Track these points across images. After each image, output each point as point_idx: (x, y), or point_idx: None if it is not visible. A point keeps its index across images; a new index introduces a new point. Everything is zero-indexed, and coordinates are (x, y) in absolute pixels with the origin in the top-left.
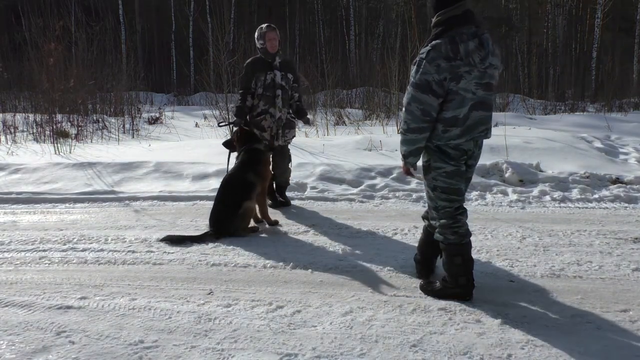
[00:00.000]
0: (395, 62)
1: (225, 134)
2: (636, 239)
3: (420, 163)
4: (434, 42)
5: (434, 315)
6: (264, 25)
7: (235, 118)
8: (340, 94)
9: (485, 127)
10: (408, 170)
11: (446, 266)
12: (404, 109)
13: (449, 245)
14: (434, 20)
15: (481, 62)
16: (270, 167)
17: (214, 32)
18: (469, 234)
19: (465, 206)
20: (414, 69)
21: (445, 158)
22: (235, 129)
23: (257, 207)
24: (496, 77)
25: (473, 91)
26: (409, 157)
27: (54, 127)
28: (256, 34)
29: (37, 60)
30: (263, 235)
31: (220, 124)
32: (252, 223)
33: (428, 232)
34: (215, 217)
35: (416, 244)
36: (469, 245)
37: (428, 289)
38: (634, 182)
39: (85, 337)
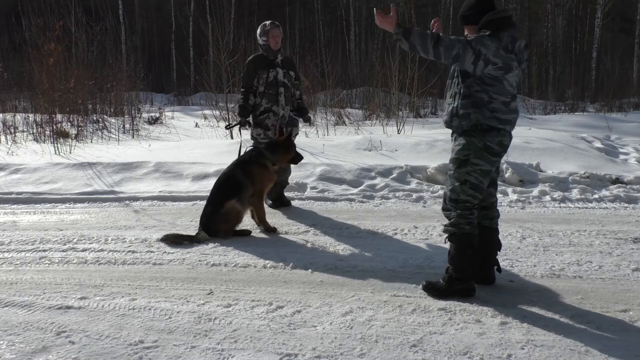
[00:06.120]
0: (395, 62)
1: (225, 134)
2: (636, 239)
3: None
4: (495, 34)
5: (434, 315)
6: (267, 22)
7: (239, 118)
8: (340, 94)
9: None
10: (380, 15)
11: (455, 259)
12: (444, 44)
13: (463, 235)
14: (483, 19)
15: (525, 62)
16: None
17: (214, 32)
18: (477, 228)
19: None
20: (471, 37)
21: (488, 155)
22: (277, 134)
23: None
24: (520, 81)
25: (513, 86)
26: (403, 35)
27: (54, 127)
28: (259, 30)
29: (37, 60)
30: (263, 235)
31: (227, 127)
32: (254, 226)
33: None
34: (202, 216)
35: (416, 244)
36: (477, 238)
37: (430, 288)
38: (634, 182)
39: (85, 337)
